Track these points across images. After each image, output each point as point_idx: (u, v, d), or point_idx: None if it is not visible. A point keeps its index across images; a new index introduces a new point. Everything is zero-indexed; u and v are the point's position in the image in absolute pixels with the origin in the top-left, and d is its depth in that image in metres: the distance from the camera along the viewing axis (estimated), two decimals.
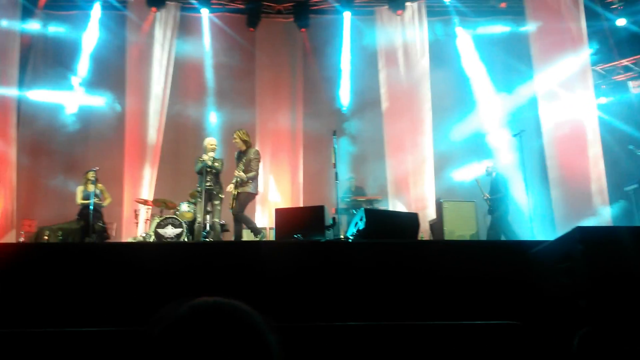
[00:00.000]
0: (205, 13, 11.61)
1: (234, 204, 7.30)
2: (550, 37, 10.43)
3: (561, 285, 3.44)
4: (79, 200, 8.87)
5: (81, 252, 4.79)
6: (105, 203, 9.16)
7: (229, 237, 8.89)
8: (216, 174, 7.71)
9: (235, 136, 7.60)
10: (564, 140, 10.01)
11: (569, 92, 10.07)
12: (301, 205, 10.75)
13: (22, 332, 2.79)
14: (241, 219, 7.30)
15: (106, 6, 11.19)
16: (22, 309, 3.71)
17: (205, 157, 7.63)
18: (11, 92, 10.21)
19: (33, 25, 11.08)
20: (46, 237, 9.73)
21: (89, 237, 8.66)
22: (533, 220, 8.42)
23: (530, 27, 10.73)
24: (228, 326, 0.81)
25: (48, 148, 11.14)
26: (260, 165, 7.69)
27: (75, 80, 10.93)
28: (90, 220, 8.61)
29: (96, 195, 8.85)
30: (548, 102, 10.29)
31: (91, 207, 8.59)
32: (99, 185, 9.01)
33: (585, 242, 3.23)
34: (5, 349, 2.61)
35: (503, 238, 8.56)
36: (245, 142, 7.54)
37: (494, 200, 8.89)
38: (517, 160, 9.34)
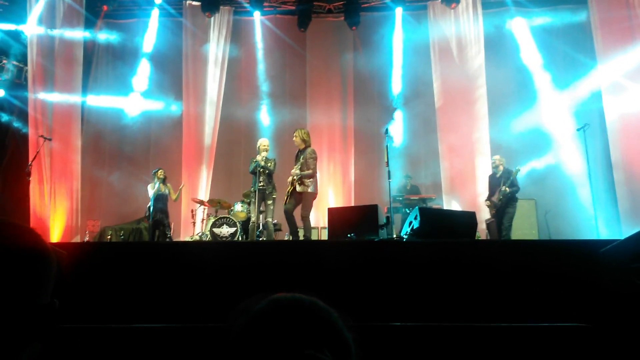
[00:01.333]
0: (257, 16, 11.79)
1: (287, 201, 7.37)
2: (614, 25, 9.89)
3: (634, 286, 3.27)
4: (151, 196, 9.17)
5: (142, 251, 4.95)
6: (174, 198, 9.53)
7: (282, 236, 8.98)
8: (269, 174, 7.79)
9: (295, 134, 7.63)
10: (630, 135, 9.47)
11: (636, 84, 9.50)
12: (352, 203, 10.69)
13: (92, 327, 2.89)
14: (306, 222, 7.34)
15: (163, 13, 11.65)
16: (90, 306, 3.86)
17: (258, 157, 7.72)
18: (76, 98, 10.74)
19: (94, 34, 11.63)
20: (109, 237, 10.22)
21: (158, 232, 9.00)
22: (597, 218, 8.03)
23: (592, 15, 10.21)
24: (308, 321, 0.81)
25: (109, 151, 11.69)
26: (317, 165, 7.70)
27: (135, 84, 11.39)
28: (158, 217, 9.00)
29: (164, 194, 9.19)
30: (613, 94, 9.76)
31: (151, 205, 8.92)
32: (168, 184, 9.35)
33: None
34: (75, 344, 2.72)
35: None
36: (304, 141, 7.57)
37: (511, 193, 8.40)
38: (580, 155, 8.93)
